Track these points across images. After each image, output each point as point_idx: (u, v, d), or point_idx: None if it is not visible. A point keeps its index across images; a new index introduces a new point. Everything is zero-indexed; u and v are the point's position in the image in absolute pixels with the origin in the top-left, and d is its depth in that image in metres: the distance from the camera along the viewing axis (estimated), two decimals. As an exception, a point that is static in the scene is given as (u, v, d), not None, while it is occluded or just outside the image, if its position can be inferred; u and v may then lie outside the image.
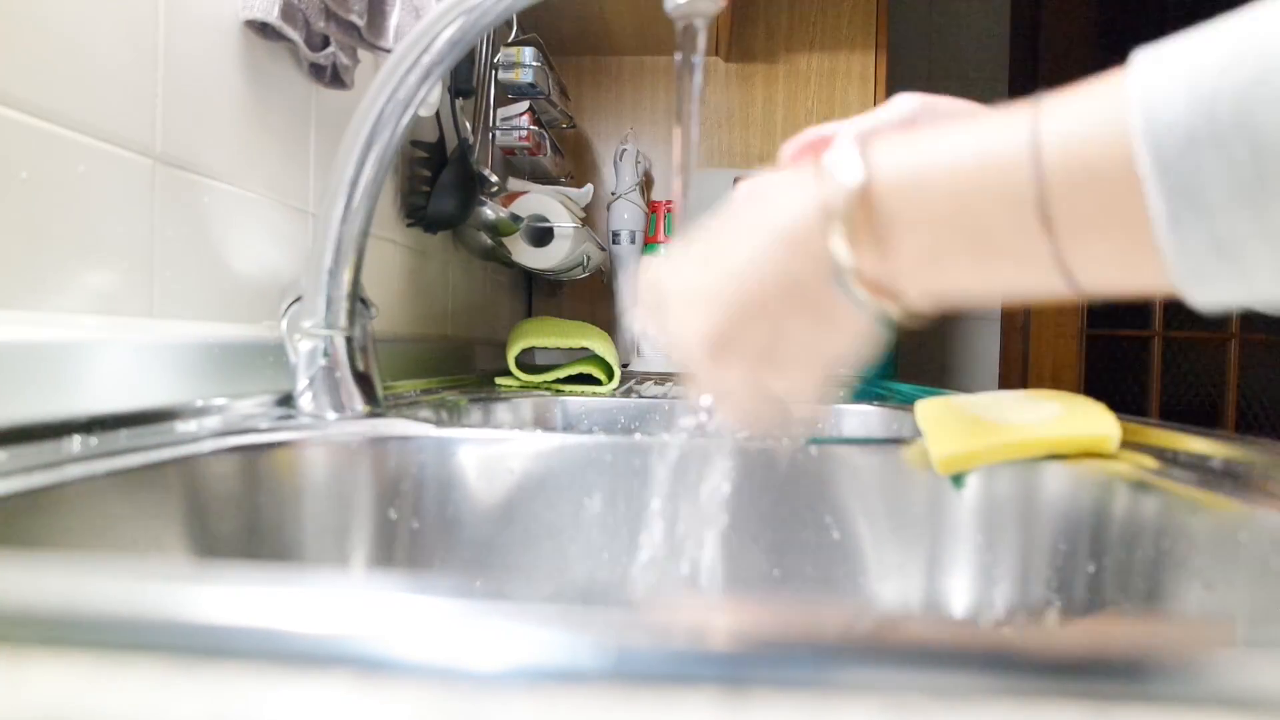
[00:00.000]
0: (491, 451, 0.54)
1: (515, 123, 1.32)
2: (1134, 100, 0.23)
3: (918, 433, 0.53)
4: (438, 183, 1.01)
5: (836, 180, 0.29)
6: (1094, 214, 0.25)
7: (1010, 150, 0.26)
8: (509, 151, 1.38)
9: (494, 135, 1.29)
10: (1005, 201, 0.26)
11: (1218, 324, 2.37)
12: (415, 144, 1.01)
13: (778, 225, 0.31)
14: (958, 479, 0.50)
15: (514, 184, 1.41)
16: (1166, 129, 0.22)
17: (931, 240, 0.28)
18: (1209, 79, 0.22)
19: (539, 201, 1.32)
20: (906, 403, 0.87)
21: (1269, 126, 0.21)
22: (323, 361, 0.57)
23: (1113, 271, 0.26)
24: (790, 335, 0.33)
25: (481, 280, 1.39)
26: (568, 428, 0.92)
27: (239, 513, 0.46)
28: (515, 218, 1.23)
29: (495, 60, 1.26)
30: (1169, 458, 0.46)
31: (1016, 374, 2.31)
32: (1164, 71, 0.23)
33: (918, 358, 2.32)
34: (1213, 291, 0.24)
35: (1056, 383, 2.29)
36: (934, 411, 0.53)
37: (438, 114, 1.03)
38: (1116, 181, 0.24)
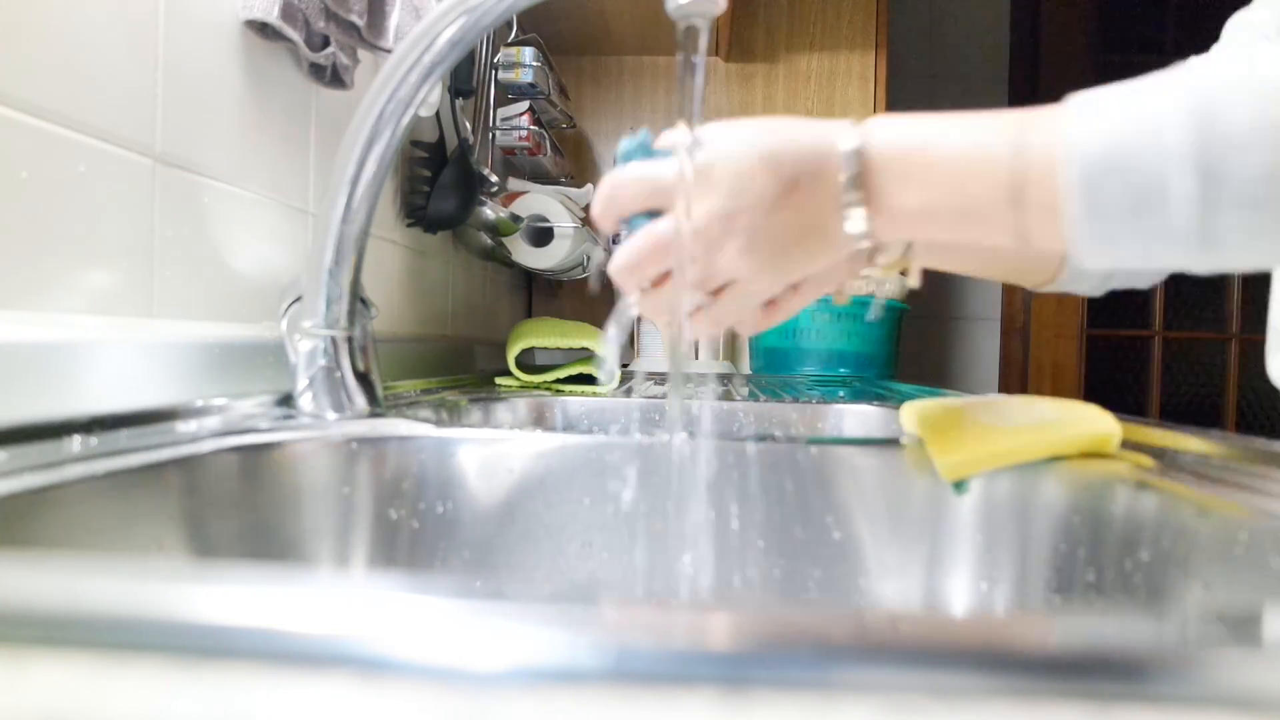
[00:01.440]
0: (491, 451, 0.54)
1: (515, 123, 1.32)
2: (1075, 139, 0.34)
3: (908, 433, 0.53)
4: (438, 183, 1.01)
5: (851, 144, 0.39)
6: (1047, 203, 0.35)
7: (999, 152, 0.36)
8: (509, 151, 1.38)
9: (494, 135, 1.29)
10: (989, 185, 0.37)
11: (1218, 324, 2.37)
12: (415, 144, 1.01)
13: (811, 148, 0.39)
14: (960, 484, 0.50)
15: (514, 184, 1.41)
16: (1089, 159, 0.34)
17: (923, 200, 0.38)
18: (1120, 128, 0.33)
19: (539, 201, 1.32)
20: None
21: (1150, 168, 0.33)
22: (323, 361, 0.57)
23: (1049, 241, 0.37)
24: (787, 235, 0.40)
25: (481, 280, 1.39)
26: (568, 428, 0.92)
27: (239, 513, 0.46)
28: (515, 218, 1.23)
29: (495, 60, 1.26)
30: (1169, 458, 0.46)
31: (1016, 374, 2.31)
32: (1093, 119, 0.34)
33: (918, 358, 2.32)
34: (1093, 262, 0.36)
35: (1056, 382, 2.29)
36: (930, 416, 0.53)
37: (438, 114, 1.03)
38: (1059, 187, 0.35)
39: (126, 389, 0.50)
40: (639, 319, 1.53)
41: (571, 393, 0.96)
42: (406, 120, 0.55)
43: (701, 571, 0.52)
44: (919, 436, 0.52)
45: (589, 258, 1.43)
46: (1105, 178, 0.33)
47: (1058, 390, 2.27)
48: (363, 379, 0.59)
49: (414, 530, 0.53)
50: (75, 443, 0.41)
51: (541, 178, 1.52)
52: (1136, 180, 0.33)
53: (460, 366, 1.21)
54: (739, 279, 0.42)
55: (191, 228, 0.59)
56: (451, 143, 1.06)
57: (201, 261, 0.60)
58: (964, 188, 0.37)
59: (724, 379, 1.32)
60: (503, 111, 1.32)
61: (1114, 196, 0.33)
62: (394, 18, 0.78)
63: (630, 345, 1.60)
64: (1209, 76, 0.33)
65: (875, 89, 1.79)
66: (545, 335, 1.07)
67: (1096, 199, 0.34)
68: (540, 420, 0.91)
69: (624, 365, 1.46)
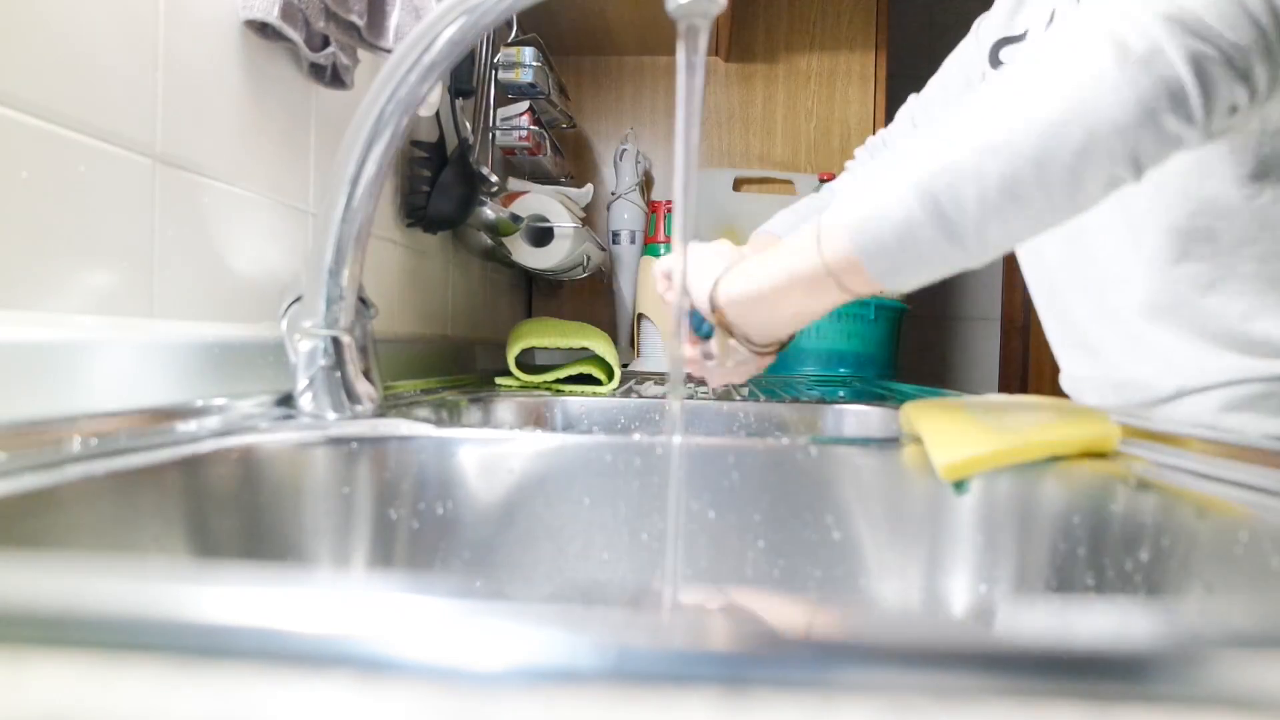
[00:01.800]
0: (491, 451, 0.54)
1: (515, 123, 1.32)
2: (850, 239, 0.49)
3: (908, 433, 0.53)
4: (438, 183, 1.01)
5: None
6: (852, 272, 0.50)
7: (811, 258, 0.51)
8: (509, 151, 1.38)
9: (494, 135, 1.29)
10: (812, 270, 0.52)
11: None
12: (415, 144, 1.01)
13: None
14: (960, 484, 0.50)
15: (514, 184, 1.41)
16: (872, 242, 0.48)
17: (770, 309, 0.56)
18: (868, 199, 0.48)
19: (539, 201, 1.32)
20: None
21: (894, 214, 0.47)
22: (323, 361, 0.57)
23: (861, 285, 0.51)
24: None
25: (481, 280, 1.39)
26: (568, 428, 0.92)
27: (239, 513, 0.46)
28: (515, 218, 1.23)
29: (495, 60, 1.26)
30: (1169, 458, 0.46)
31: (1016, 375, 2.30)
32: (849, 202, 0.50)
33: (918, 358, 2.32)
34: (895, 285, 0.49)
35: (1057, 383, 2.28)
36: (929, 416, 0.53)
37: (438, 114, 1.03)
38: (856, 261, 0.49)
39: (126, 389, 0.50)
40: (638, 319, 1.53)
41: (571, 393, 0.96)
42: (406, 120, 0.55)
43: (701, 571, 0.52)
44: (919, 437, 0.52)
45: (589, 258, 1.43)
46: (864, 228, 0.48)
47: (1057, 390, 2.26)
48: (363, 379, 0.59)
49: (414, 530, 0.53)
50: (75, 443, 0.41)
51: (541, 178, 1.52)
52: (888, 225, 0.47)
53: (460, 366, 1.21)
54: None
55: (191, 228, 0.59)
56: (451, 143, 1.06)
57: (201, 261, 0.60)
58: (795, 277, 0.53)
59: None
60: (503, 111, 1.32)
61: (878, 239, 0.47)
62: (394, 18, 0.78)
63: (630, 345, 1.60)
64: (918, 153, 0.47)
65: (875, 89, 1.79)
66: (545, 335, 1.07)
67: (865, 243, 0.48)
68: (540, 420, 0.91)
69: (624, 365, 1.46)
